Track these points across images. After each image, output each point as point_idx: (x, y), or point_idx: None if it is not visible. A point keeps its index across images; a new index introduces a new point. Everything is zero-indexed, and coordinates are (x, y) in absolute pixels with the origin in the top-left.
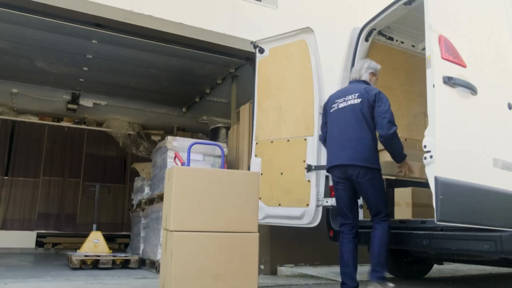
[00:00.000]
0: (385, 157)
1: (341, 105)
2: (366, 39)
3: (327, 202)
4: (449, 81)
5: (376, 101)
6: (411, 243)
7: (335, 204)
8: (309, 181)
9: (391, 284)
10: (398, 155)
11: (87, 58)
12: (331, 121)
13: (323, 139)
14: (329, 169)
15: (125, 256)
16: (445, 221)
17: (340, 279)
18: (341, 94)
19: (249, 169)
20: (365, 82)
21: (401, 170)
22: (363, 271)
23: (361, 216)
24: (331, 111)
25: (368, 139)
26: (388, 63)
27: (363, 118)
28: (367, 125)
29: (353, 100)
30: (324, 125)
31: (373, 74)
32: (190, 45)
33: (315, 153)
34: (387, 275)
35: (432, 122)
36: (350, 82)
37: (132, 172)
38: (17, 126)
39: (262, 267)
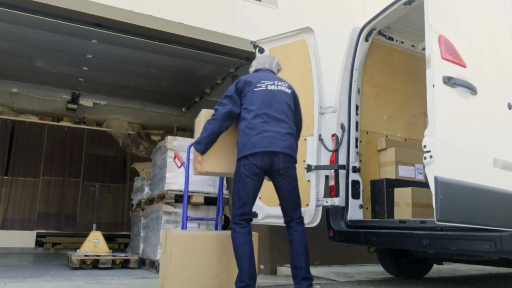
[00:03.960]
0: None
1: (270, 87)
2: (366, 39)
3: (327, 202)
4: (449, 81)
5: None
6: (411, 243)
7: (335, 204)
8: (309, 181)
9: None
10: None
11: (87, 58)
12: (256, 99)
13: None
14: (250, 155)
15: (125, 256)
16: (445, 221)
17: (340, 279)
18: (266, 77)
19: None
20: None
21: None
22: (363, 270)
23: (361, 216)
24: (256, 89)
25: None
26: (388, 63)
27: (292, 109)
28: (294, 117)
29: (284, 88)
30: (238, 105)
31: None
32: (190, 45)
33: (315, 153)
34: (387, 275)
35: (432, 122)
36: (262, 70)
37: (132, 172)
38: (17, 126)
39: (262, 267)
